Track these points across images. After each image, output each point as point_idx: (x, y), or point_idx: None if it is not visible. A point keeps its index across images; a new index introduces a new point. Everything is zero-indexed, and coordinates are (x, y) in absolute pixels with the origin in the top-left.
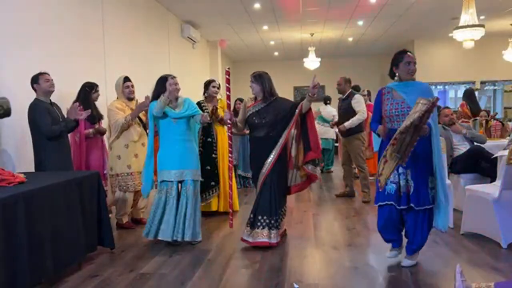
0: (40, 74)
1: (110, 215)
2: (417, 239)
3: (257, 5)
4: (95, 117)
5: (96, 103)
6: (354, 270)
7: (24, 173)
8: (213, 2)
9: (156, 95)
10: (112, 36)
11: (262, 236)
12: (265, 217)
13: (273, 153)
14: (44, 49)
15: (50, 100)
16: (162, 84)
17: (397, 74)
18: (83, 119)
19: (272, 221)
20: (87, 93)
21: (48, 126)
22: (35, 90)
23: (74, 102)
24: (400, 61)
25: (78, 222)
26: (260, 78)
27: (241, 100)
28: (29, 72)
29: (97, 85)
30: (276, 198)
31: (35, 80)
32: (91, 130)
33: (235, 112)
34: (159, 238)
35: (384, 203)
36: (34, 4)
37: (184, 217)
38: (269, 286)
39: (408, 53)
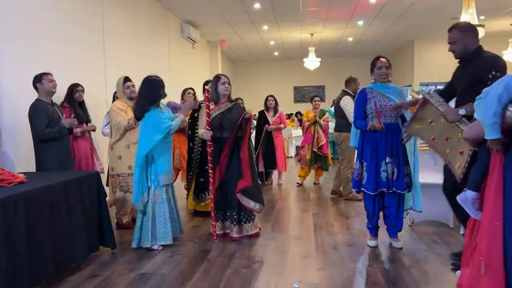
0: (44, 74)
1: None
2: (399, 221)
3: (257, 5)
4: (82, 117)
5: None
6: (354, 270)
7: (24, 173)
8: (213, 2)
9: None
10: (112, 36)
11: (254, 227)
12: (247, 211)
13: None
14: (44, 50)
15: (52, 100)
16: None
17: (373, 77)
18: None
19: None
20: (69, 95)
21: (41, 128)
22: (36, 89)
23: (62, 103)
24: (374, 66)
25: (78, 222)
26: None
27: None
28: (29, 73)
29: (77, 85)
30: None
31: (38, 79)
32: (78, 130)
33: None
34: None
35: (379, 190)
36: (34, 4)
37: (177, 214)
38: (268, 286)
39: (381, 59)
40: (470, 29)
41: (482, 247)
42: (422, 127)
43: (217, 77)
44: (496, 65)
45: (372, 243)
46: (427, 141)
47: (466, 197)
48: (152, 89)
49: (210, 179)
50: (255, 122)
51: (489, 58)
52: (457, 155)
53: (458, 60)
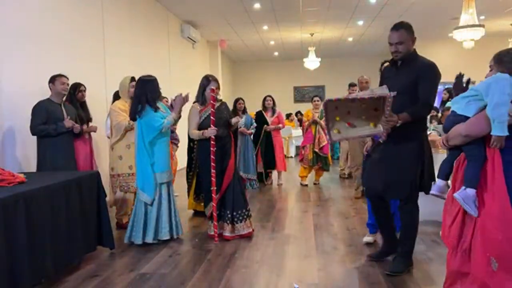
0: (59, 75)
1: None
2: None
3: (257, 5)
4: (82, 118)
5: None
6: (354, 270)
7: (24, 173)
8: (213, 2)
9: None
10: (112, 36)
11: (247, 227)
12: (240, 211)
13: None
14: (44, 50)
15: (63, 101)
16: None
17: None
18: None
19: (247, 212)
20: (71, 95)
21: (33, 124)
22: (50, 89)
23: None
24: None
25: (78, 222)
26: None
27: (243, 100)
28: (29, 73)
29: (80, 85)
30: (242, 190)
31: (52, 80)
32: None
33: (235, 112)
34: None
35: None
36: (34, 4)
37: (175, 215)
38: (268, 286)
39: (384, 64)
40: (413, 31)
41: (486, 244)
42: (340, 123)
43: (208, 79)
44: (438, 74)
45: (368, 239)
46: (347, 134)
47: (468, 195)
48: (145, 89)
49: (212, 179)
50: (255, 123)
51: (431, 65)
52: (363, 124)
53: (393, 61)
